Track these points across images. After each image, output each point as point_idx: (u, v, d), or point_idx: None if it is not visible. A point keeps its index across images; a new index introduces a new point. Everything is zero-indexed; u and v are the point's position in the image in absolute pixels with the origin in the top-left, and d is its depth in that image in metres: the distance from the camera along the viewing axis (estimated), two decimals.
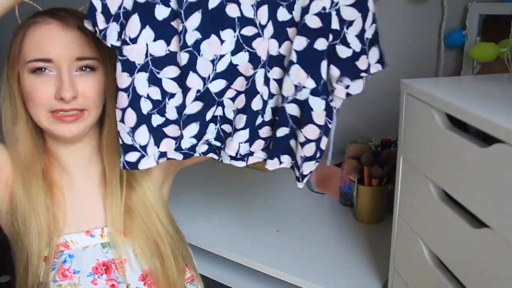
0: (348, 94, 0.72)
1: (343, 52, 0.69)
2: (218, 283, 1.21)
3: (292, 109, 0.73)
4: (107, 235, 0.82)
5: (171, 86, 0.70)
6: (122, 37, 0.66)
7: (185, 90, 0.71)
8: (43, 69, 0.73)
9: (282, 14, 0.68)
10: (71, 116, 0.74)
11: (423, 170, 0.76)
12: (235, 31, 0.68)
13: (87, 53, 0.75)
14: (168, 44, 0.68)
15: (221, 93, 0.73)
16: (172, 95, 0.70)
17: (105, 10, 0.65)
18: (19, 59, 0.74)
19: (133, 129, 0.70)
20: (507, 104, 0.66)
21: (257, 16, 0.68)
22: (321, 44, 0.68)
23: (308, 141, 0.73)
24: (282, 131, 0.75)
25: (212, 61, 0.70)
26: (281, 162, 0.77)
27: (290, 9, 0.68)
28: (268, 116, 0.75)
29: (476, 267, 0.64)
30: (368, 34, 0.70)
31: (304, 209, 1.34)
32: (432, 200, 0.73)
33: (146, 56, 0.68)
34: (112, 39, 0.67)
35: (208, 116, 0.74)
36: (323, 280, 1.03)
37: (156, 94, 0.70)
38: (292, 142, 0.76)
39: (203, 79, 0.70)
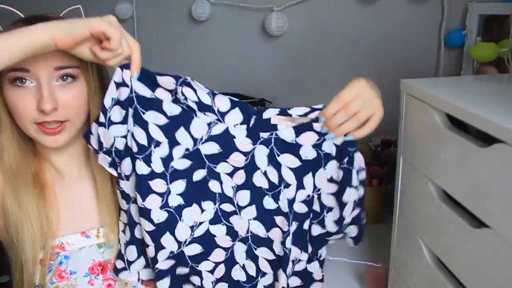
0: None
1: (316, 231, 0.74)
2: None
3: (293, 282, 0.77)
4: (103, 236, 0.82)
5: (146, 238, 0.72)
6: (118, 171, 0.72)
7: (158, 247, 0.72)
8: (23, 80, 0.71)
9: (268, 203, 0.71)
10: (53, 129, 0.72)
11: (423, 170, 0.76)
12: (215, 204, 0.72)
13: (67, 61, 0.71)
14: (144, 200, 0.70)
15: (195, 258, 0.74)
16: (147, 245, 0.72)
17: (99, 142, 0.72)
18: (0, 71, 0.70)
19: (126, 244, 0.76)
20: (507, 104, 0.66)
21: (236, 197, 0.71)
22: (306, 224, 0.73)
23: None
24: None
25: (191, 227, 0.72)
26: None
27: (276, 198, 0.71)
28: None
29: (476, 267, 0.64)
30: (347, 220, 0.73)
31: None
32: (432, 200, 0.73)
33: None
34: (104, 164, 0.74)
35: (180, 271, 0.76)
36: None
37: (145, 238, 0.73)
38: None
39: (179, 243, 0.72)
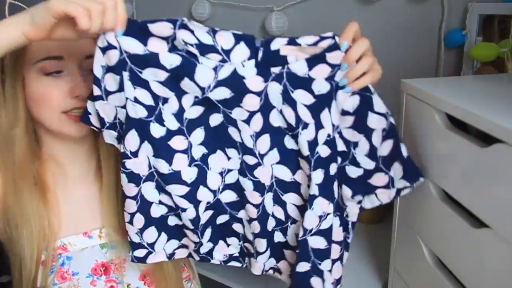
0: (361, 208, 0.70)
1: (353, 172, 0.68)
2: (217, 282, 1.20)
3: (315, 242, 0.68)
4: (105, 236, 0.82)
5: (181, 202, 0.68)
6: (122, 150, 0.66)
7: (196, 204, 0.69)
8: (57, 72, 0.72)
9: (290, 143, 0.66)
10: (79, 115, 0.73)
11: (423, 170, 0.76)
12: (239, 153, 0.67)
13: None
14: (170, 164, 0.66)
15: (233, 205, 0.71)
16: (183, 209, 0.69)
17: (100, 118, 0.66)
18: (24, 61, 0.73)
19: (141, 230, 0.71)
20: (507, 104, 0.66)
21: (257, 146, 0.66)
22: (333, 169, 0.66)
23: (333, 261, 0.71)
24: (302, 267, 0.70)
25: (221, 174, 0.68)
26: None
27: (295, 139, 0.65)
28: (290, 238, 0.72)
29: (476, 267, 0.64)
30: (382, 152, 0.66)
31: None
32: (432, 200, 0.73)
33: (150, 167, 0.67)
34: (112, 140, 0.68)
35: (220, 220, 0.73)
36: None
37: (168, 201, 0.69)
38: (313, 280, 0.71)
39: (213, 191, 0.69)
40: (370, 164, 0.67)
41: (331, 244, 0.69)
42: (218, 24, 1.63)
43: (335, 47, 0.61)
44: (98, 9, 0.57)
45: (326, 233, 0.68)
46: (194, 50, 0.61)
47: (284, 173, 0.68)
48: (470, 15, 1.16)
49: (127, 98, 0.63)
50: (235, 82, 0.62)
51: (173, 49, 0.61)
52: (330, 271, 0.71)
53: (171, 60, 0.61)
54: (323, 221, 0.67)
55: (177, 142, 0.65)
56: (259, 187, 0.68)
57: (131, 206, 0.69)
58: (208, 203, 0.69)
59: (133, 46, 0.60)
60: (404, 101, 0.80)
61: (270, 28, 1.46)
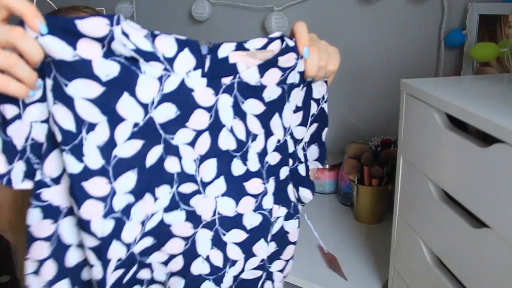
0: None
1: (302, 170, 0.64)
2: None
3: (268, 249, 0.63)
4: None
5: (88, 255, 0.52)
6: (38, 177, 0.49)
7: (105, 262, 0.52)
8: None
9: (237, 168, 0.57)
10: None
11: (423, 170, 0.76)
12: (172, 187, 0.55)
13: None
14: (78, 208, 0.50)
15: (145, 251, 0.57)
16: (90, 265, 0.53)
17: (9, 148, 0.48)
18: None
19: (51, 283, 0.52)
20: (507, 104, 0.66)
21: (199, 172, 0.55)
22: (283, 173, 0.61)
23: (286, 261, 0.67)
24: (254, 274, 0.64)
25: (142, 222, 0.54)
26: None
27: (244, 159, 0.57)
28: (226, 285, 0.62)
29: (476, 267, 0.64)
30: (307, 138, 0.64)
31: (304, 209, 1.34)
32: (432, 200, 0.73)
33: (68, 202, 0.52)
34: (16, 183, 0.49)
35: (128, 276, 0.57)
36: (323, 280, 1.03)
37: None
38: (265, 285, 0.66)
39: (128, 245, 0.54)
40: (303, 157, 0.64)
41: (286, 246, 0.65)
42: (218, 24, 1.64)
43: (286, 49, 0.55)
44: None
45: (278, 237, 0.63)
46: (136, 55, 0.49)
47: (229, 207, 0.58)
48: (470, 15, 1.16)
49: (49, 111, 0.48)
50: (183, 96, 0.52)
51: (109, 54, 0.47)
52: (281, 270, 0.67)
53: (108, 69, 0.47)
54: (274, 224, 0.62)
55: (95, 186, 0.49)
56: (193, 218, 0.56)
57: (41, 251, 0.51)
58: (119, 260, 0.54)
59: (60, 49, 0.45)
60: (404, 101, 0.80)
61: (270, 28, 1.46)
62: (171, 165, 0.54)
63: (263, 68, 0.55)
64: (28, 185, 0.49)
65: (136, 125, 0.50)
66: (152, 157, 0.52)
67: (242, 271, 0.62)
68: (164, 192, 0.54)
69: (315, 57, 0.57)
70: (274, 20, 1.45)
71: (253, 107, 0.56)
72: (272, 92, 0.57)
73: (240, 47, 0.54)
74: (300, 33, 0.57)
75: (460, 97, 0.70)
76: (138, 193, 0.52)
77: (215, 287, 0.61)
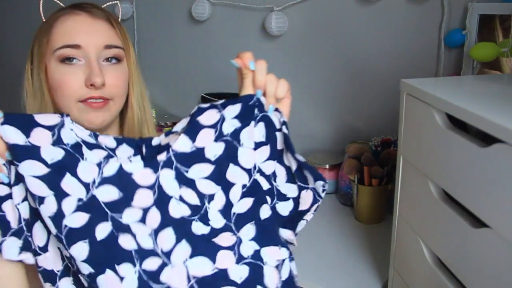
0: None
1: (284, 209, 0.62)
2: None
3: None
4: None
5: None
6: (32, 247, 0.56)
7: None
8: (72, 59, 0.73)
9: (199, 228, 0.58)
10: (99, 103, 0.75)
11: (423, 170, 0.76)
12: (134, 265, 0.55)
13: (114, 41, 0.76)
14: (63, 261, 0.58)
15: None
16: None
17: (2, 222, 0.55)
18: (46, 50, 0.75)
19: None
20: (507, 104, 0.66)
21: (158, 244, 0.56)
22: (264, 212, 0.60)
23: None
24: None
25: None
26: None
27: (205, 221, 0.58)
28: None
29: (476, 267, 0.64)
30: (293, 166, 0.62)
31: None
32: (432, 200, 0.73)
33: (63, 260, 0.57)
34: (11, 255, 0.55)
35: None
36: (323, 280, 1.03)
37: None
38: None
39: None
40: (294, 190, 0.62)
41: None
42: (218, 24, 1.64)
43: (201, 110, 0.59)
44: None
45: (289, 283, 0.62)
46: (81, 142, 0.57)
47: (203, 266, 0.57)
48: (470, 15, 1.16)
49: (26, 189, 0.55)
50: (123, 180, 0.57)
51: (57, 142, 0.56)
52: None
53: (53, 154, 0.55)
54: (281, 271, 0.60)
55: (53, 257, 0.56)
56: None
57: None
58: None
59: (14, 136, 0.54)
60: (404, 101, 0.80)
61: (270, 28, 1.46)
62: (126, 242, 0.56)
63: (190, 134, 0.59)
64: (25, 257, 0.56)
65: (80, 199, 0.56)
66: (101, 232, 0.56)
67: None
68: (128, 272, 0.55)
69: (261, 67, 0.61)
70: (274, 20, 1.45)
71: (199, 171, 0.59)
72: (215, 150, 0.59)
73: (169, 134, 0.60)
74: (244, 53, 0.62)
75: (460, 97, 0.70)
76: (96, 265, 0.55)
77: None
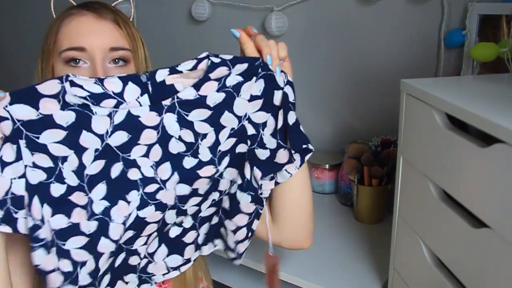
0: (276, 183, 0.76)
1: (261, 154, 0.72)
2: (217, 282, 1.21)
3: (223, 202, 0.77)
4: None
5: (80, 255, 0.66)
6: (30, 224, 0.61)
7: (97, 255, 0.67)
8: (77, 61, 0.72)
9: (189, 162, 0.68)
10: None
11: (423, 170, 0.76)
12: (138, 191, 0.67)
13: (121, 43, 0.75)
14: (69, 217, 0.64)
15: (129, 241, 0.71)
16: (83, 263, 0.66)
17: None
18: (54, 51, 0.74)
19: None
20: (507, 104, 0.66)
21: (158, 174, 0.67)
22: (241, 148, 0.71)
23: (238, 228, 0.77)
24: (213, 220, 0.79)
25: (123, 223, 0.67)
26: (215, 246, 0.82)
27: (195, 155, 0.68)
28: (188, 223, 0.77)
29: (476, 267, 0.64)
30: (278, 125, 0.71)
31: None
32: (432, 200, 0.73)
33: (51, 231, 0.64)
34: None
35: (118, 261, 0.72)
36: (323, 280, 1.03)
37: (67, 266, 0.66)
38: (222, 230, 0.80)
39: (115, 241, 0.68)
40: (273, 143, 0.71)
41: (237, 214, 0.76)
42: (218, 24, 1.63)
43: (214, 66, 0.66)
44: None
45: (232, 197, 0.75)
46: (87, 102, 0.61)
47: (185, 189, 0.70)
48: (470, 15, 1.16)
49: (26, 166, 0.60)
50: (131, 123, 0.64)
51: (65, 106, 0.61)
52: (233, 231, 0.78)
53: (66, 118, 0.61)
54: (232, 186, 0.73)
55: (77, 198, 0.64)
56: (160, 207, 0.69)
57: (56, 279, 0.65)
58: (111, 253, 0.68)
59: (25, 113, 0.59)
60: (404, 101, 0.80)
61: (270, 28, 1.46)
62: (133, 175, 0.67)
63: (197, 85, 0.66)
64: (5, 229, 0.60)
65: (96, 150, 0.64)
66: (115, 171, 0.66)
67: (200, 210, 0.76)
68: (134, 196, 0.67)
69: (261, 35, 0.71)
70: (274, 20, 1.45)
71: (198, 114, 0.67)
72: (215, 98, 0.67)
73: (173, 70, 0.67)
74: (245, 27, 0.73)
75: (460, 97, 0.70)
76: (111, 199, 0.66)
77: (181, 230, 0.76)
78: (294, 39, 1.50)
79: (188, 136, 0.68)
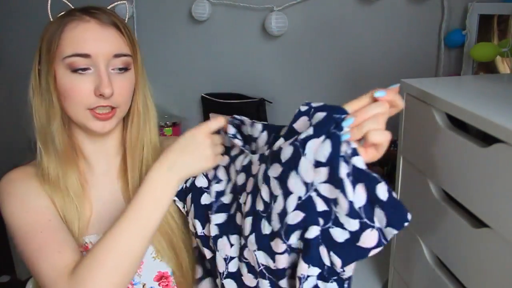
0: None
1: (339, 235, 0.57)
2: None
3: None
4: None
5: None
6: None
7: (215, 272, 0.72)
8: (83, 70, 0.73)
9: (265, 227, 0.62)
10: (105, 114, 0.75)
11: (423, 170, 0.76)
12: (240, 238, 0.68)
13: (123, 50, 0.76)
14: (203, 227, 0.73)
15: None
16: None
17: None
18: (55, 56, 0.74)
19: None
20: (507, 104, 0.66)
21: (243, 228, 0.66)
22: (312, 232, 0.58)
23: None
24: None
25: (225, 260, 0.71)
26: None
27: (269, 220, 0.61)
28: None
29: (476, 267, 0.64)
30: (359, 202, 0.54)
31: None
32: (432, 200, 0.73)
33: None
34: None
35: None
36: None
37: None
38: None
39: (220, 273, 0.71)
40: (354, 225, 0.55)
41: None
42: (218, 24, 1.63)
43: (299, 114, 0.60)
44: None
45: None
46: (239, 142, 0.70)
47: (266, 260, 0.63)
48: (470, 15, 1.16)
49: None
50: (248, 168, 0.68)
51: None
52: None
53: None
54: (303, 282, 0.59)
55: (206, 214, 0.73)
56: (250, 269, 0.66)
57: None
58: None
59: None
60: (404, 101, 0.80)
61: (270, 28, 1.46)
62: (238, 219, 0.69)
63: (285, 137, 0.62)
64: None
65: (234, 185, 0.71)
66: (233, 208, 0.71)
67: None
68: (236, 242, 0.69)
69: (376, 106, 0.55)
70: (274, 20, 1.45)
71: (274, 170, 0.61)
72: (286, 152, 0.59)
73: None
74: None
75: (460, 97, 0.70)
76: (221, 231, 0.71)
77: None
78: (294, 39, 1.50)
79: (266, 194, 0.62)
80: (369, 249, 0.57)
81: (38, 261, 0.68)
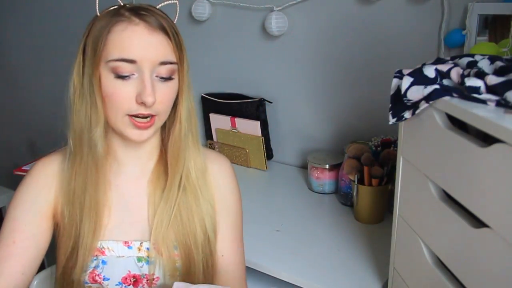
0: None
1: None
2: None
3: None
4: (145, 250, 0.79)
5: None
6: None
7: None
8: (127, 76, 0.71)
9: None
10: (144, 123, 0.73)
11: (423, 170, 0.76)
12: None
13: (169, 57, 0.74)
14: None
15: None
16: None
17: None
18: (101, 57, 0.72)
19: None
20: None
21: None
22: None
23: None
24: None
25: None
26: None
27: None
28: None
29: (476, 267, 0.64)
30: None
31: (304, 208, 1.34)
32: (432, 200, 0.73)
33: None
34: None
35: None
36: (323, 280, 1.03)
37: None
38: None
39: None
40: None
41: None
42: (218, 24, 1.63)
43: None
44: None
45: None
46: None
47: None
48: (470, 15, 1.16)
49: None
50: None
51: None
52: None
53: None
54: None
55: None
56: None
57: None
58: None
59: None
60: None
61: (270, 28, 1.46)
62: None
63: None
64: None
65: None
66: None
67: None
68: None
69: None
70: (274, 20, 1.45)
71: None
72: None
73: None
74: None
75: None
76: None
77: None
78: (294, 39, 1.50)
79: None
80: None
81: None
